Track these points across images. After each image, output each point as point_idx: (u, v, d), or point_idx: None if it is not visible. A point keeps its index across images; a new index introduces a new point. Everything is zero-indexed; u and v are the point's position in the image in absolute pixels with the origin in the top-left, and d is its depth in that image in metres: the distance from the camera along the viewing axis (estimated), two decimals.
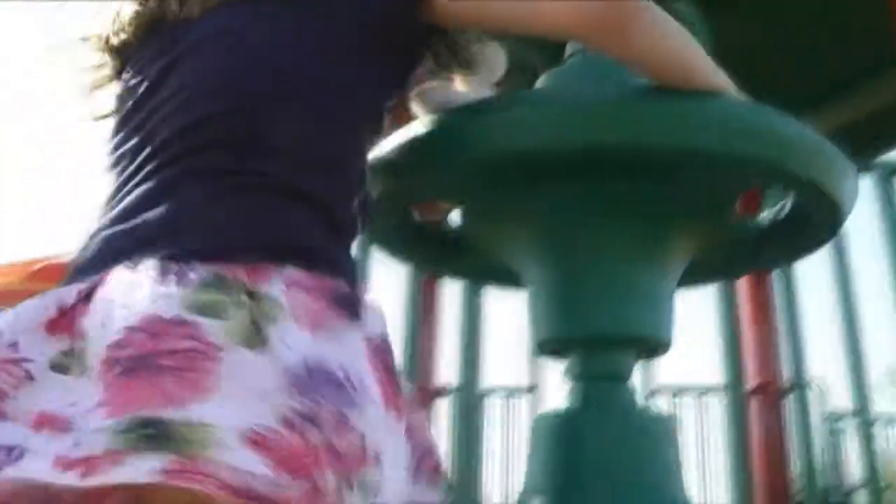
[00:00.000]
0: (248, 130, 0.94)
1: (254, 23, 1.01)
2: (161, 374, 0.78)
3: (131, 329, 0.81)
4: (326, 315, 0.88)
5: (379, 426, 0.86)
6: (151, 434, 0.75)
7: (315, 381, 0.83)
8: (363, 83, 1.00)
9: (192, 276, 0.87)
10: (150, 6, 1.07)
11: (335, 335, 0.88)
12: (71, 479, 0.73)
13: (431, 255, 1.30)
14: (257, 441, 0.77)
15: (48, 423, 0.77)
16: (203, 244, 0.90)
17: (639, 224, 1.05)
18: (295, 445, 0.77)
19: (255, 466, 0.75)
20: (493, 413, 4.88)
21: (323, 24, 1.00)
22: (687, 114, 0.94)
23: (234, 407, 0.78)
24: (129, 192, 0.96)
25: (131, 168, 0.97)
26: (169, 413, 0.76)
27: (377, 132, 1.03)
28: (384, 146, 1.03)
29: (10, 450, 0.75)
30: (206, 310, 0.84)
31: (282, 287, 0.88)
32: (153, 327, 0.82)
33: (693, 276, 1.24)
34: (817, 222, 1.11)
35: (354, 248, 1.00)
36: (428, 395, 4.34)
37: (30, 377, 0.80)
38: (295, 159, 0.94)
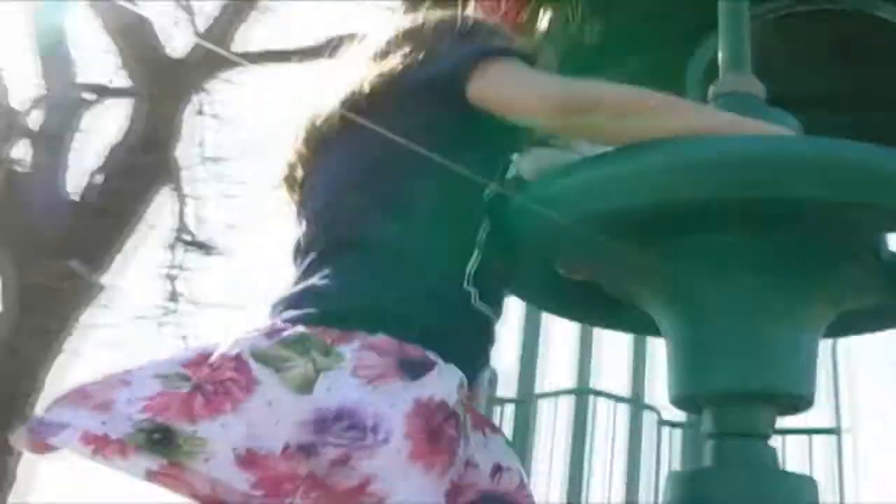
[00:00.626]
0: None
1: None
2: (198, 395, 0.96)
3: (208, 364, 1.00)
4: (387, 373, 1.00)
5: (394, 473, 0.95)
6: (158, 439, 0.93)
7: (339, 423, 0.95)
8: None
9: (285, 333, 1.04)
10: None
11: (386, 390, 0.99)
12: (85, 452, 0.93)
13: (582, 309, 1.34)
14: (248, 460, 0.92)
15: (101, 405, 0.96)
16: (318, 310, 1.07)
17: (771, 276, 1.02)
18: (281, 470, 0.91)
19: (234, 480, 0.91)
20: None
21: None
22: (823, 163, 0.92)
23: (240, 429, 0.93)
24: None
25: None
26: (180, 425, 0.93)
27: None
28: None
29: (61, 425, 0.95)
30: (265, 359, 1.00)
31: (356, 347, 1.02)
32: (217, 362, 1.00)
33: (856, 325, 1.23)
34: None
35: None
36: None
37: None
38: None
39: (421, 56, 1.19)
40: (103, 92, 10.05)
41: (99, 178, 9.63)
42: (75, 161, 9.46)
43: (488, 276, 1.12)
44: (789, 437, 4.73)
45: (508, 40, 1.26)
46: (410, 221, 1.13)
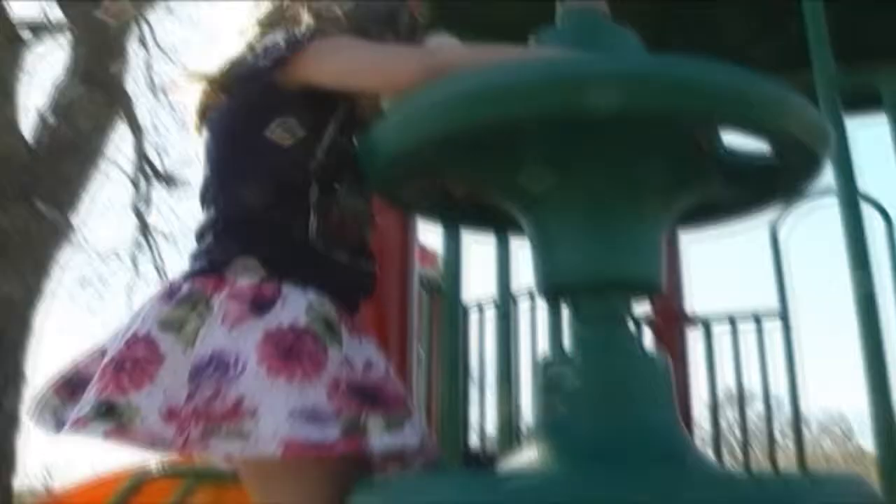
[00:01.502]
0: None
1: None
2: (122, 374, 1.36)
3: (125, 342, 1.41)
4: (242, 316, 1.38)
5: (259, 390, 1.32)
6: (104, 411, 1.33)
7: (210, 366, 1.33)
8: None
9: (180, 293, 1.44)
10: None
11: (241, 330, 1.36)
12: (70, 431, 1.35)
13: (460, 217, 1.48)
14: (169, 415, 1.33)
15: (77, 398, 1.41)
16: (204, 263, 1.47)
17: (610, 177, 1.14)
18: (184, 413, 1.30)
19: (162, 430, 1.32)
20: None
21: None
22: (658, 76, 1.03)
23: (159, 394, 1.34)
24: None
25: None
26: (118, 398, 1.34)
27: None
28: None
29: (63, 421, 1.40)
30: (167, 325, 1.41)
31: (224, 296, 1.41)
32: (131, 340, 1.39)
33: (699, 220, 1.37)
34: (796, 166, 1.19)
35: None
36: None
37: None
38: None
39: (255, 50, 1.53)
40: (40, 29, 9.88)
41: (51, 118, 9.54)
42: (26, 103, 9.35)
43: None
44: (740, 325, 4.92)
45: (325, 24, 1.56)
46: (250, 186, 1.50)
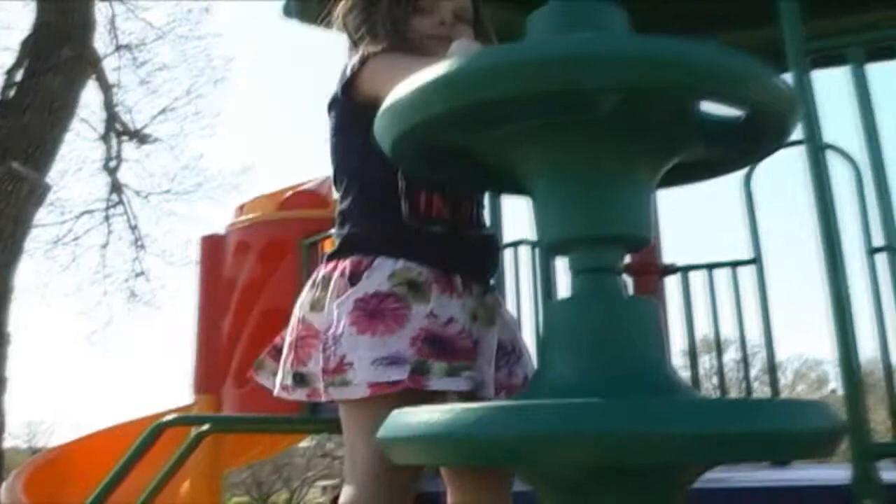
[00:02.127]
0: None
1: None
2: (296, 350, 1.91)
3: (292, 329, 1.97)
4: (342, 288, 1.84)
5: (352, 346, 1.75)
6: (299, 380, 1.89)
7: (328, 333, 1.81)
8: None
9: (317, 277, 1.94)
10: None
11: (342, 301, 1.81)
12: (280, 393, 1.94)
13: (461, 176, 1.57)
14: (325, 370, 1.79)
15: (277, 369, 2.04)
16: (331, 250, 1.98)
17: (602, 143, 1.27)
18: (318, 366, 1.83)
19: (322, 388, 1.81)
20: None
21: None
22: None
23: (319, 362, 1.81)
24: None
25: None
26: (303, 370, 1.88)
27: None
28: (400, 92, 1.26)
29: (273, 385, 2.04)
30: (312, 306, 1.90)
31: (336, 275, 1.87)
32: (294, 325, 1.95)
33: (683, 177, 1.50)
34: (768, 129, 1.33)
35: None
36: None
37: None
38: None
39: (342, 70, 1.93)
40: None
41: (18, 76, 9.50)
42: None
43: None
44: (716, 270, 5.10)
45: (374, 43, 1.92)
46: (351, 185, 1.97)
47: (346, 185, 1.97)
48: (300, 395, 1.87)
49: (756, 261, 4.90)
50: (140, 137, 15.02)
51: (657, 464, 1.13)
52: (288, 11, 5.10)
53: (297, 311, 1.93)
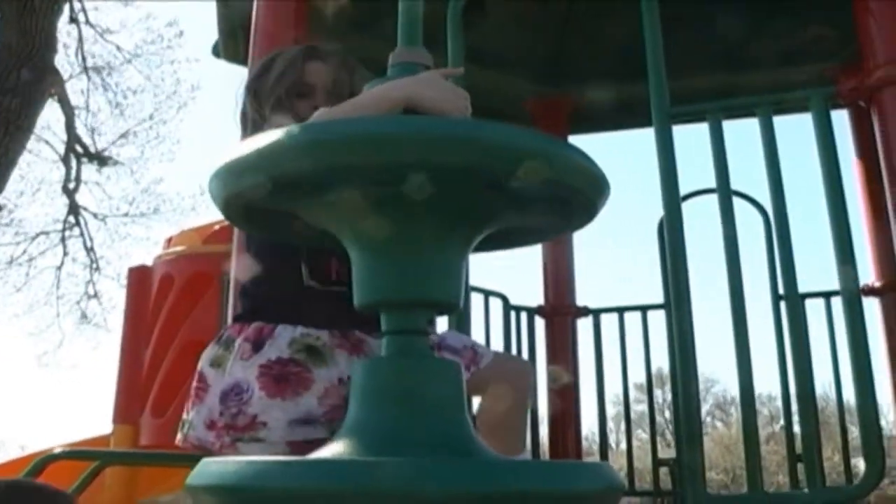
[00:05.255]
0: None
1: None
2: (188, 398, 2.03)
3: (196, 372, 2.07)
4: (247, 353, 1.94)
5: (265, 408, 1.89)
6: (182, 425, 2.03)
7: (232, 392, 1.91)
8: None
9: (223, 337, 2.03)
10: None
11: (247, 364, 1.92)
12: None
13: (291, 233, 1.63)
14: (211, 424, 1.92)
15: None
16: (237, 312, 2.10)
17: (416, 214, 1.33)
18: (218, 425, 1.90)
19: (205, 436, 1.93)
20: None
21: None
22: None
23: (204, 411, 1.94)
24: None
25: None
26: (184, 416, 2.03)
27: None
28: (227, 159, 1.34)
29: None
30: (215, 362, 1.99)
31: (241, 338, 1.97)
32: (196, 375, 2.03)
33: (500, 242, 1.59)
34: (575, 202, 1.42)
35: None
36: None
37: None
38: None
39: None
40: None
41: None
42: None
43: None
44: (627, 314, 5.22)
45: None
46: (254, 247, 2.09)
47: (250, 251, 2.08)
48: (179, 439, 2.02)
49: (666, 305, 5.01)
50: (100, 160, 14.95)
51: None
52: (216, 53, 5.21)
53: (200, 363, 2.04)
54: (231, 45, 4.71)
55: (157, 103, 15.62)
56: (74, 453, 3.39)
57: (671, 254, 2.81)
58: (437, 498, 1.13)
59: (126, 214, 15.59)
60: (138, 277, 5.85)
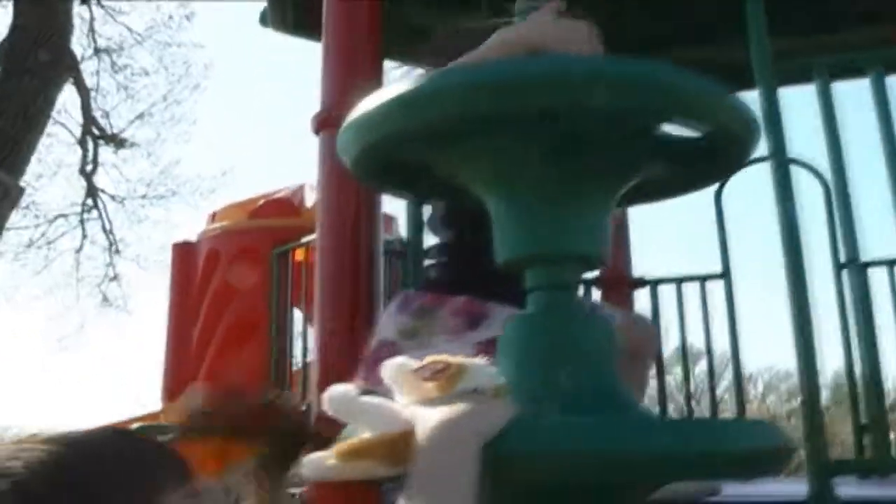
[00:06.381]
0: None
1: None
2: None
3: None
4: (456, 327, 1.80)
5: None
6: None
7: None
8: None
9: (412, 307, 1.88)
10: None
11: (458, 340, 1.76)
12: None
13: (420, 190, 1.59)
14: None
15: None
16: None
17: (563, 164, 1.29)
18: None
19: None
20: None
21: None
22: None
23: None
24: None
25: None
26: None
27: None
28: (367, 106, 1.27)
29: None
30: (405, 334, 1.82)
31: (446, 311, 1.83)
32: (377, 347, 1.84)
33: (644, 196, 1.52)
34: (729, 150, 1.35)
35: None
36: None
37: None
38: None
39: None
40: None
41: None
42: None
43: None
44: (685, 284, 5.12)
45: None
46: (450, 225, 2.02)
47: (445, 220, 1.97)
48: None
49: (725, 275, 4.91)
50: (117, 142, 14.94)
51: (612, 483, 1.14)
52: (264, 21, 5.12)
53: (380, 332, 1.90)
54: (279, 13, 4.62)
55: (170, 84, 15.54)
56: (154, 427, 3.35)
57: (784, 226, 2.66)
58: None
59: (144, 196, 15.56)
60: (182, 253, 5.78)
